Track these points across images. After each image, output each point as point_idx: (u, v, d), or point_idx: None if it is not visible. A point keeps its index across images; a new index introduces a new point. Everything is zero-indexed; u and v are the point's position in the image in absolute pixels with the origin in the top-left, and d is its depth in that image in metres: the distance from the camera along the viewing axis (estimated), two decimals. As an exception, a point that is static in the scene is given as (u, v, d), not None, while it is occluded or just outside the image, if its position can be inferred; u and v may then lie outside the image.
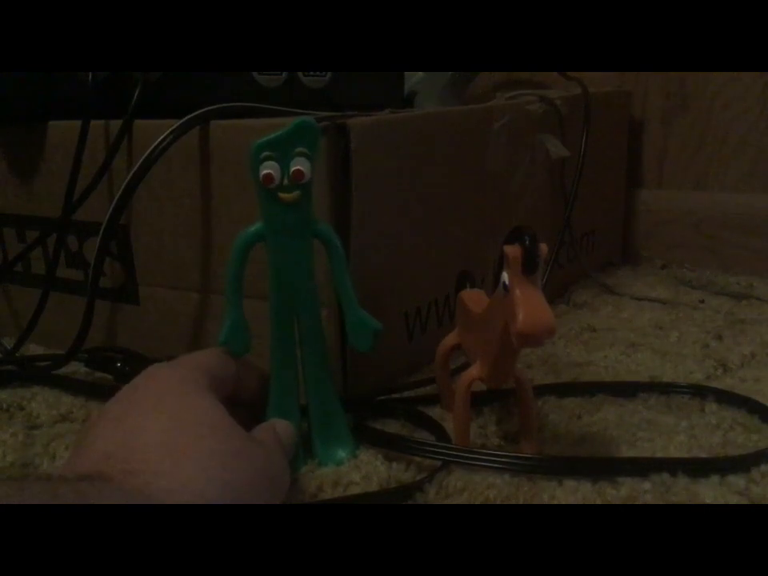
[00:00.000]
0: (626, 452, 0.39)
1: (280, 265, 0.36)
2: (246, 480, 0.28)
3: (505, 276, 0.33)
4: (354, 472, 0.37)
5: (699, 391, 0.45)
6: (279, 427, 0.35)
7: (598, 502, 0.34)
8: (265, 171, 0.34)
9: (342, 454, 0.39)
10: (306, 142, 0.34)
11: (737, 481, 0.35)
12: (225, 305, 0.36)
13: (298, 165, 0.34)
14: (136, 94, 0.45)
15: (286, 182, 0.34)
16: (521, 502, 0.34)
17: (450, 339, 0.43)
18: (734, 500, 0.34)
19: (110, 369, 0.47)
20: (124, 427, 0.28)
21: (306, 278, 0.37)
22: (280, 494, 0.31)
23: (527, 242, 0.32)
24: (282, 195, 0.34)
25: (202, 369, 0.33)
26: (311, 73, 0.54)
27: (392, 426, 0.42)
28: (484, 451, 0.37)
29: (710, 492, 0.34)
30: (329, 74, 0.55)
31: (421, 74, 0.69)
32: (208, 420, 0.29)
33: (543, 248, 0.32)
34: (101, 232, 0.44)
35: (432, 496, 0.35)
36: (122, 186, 0.43)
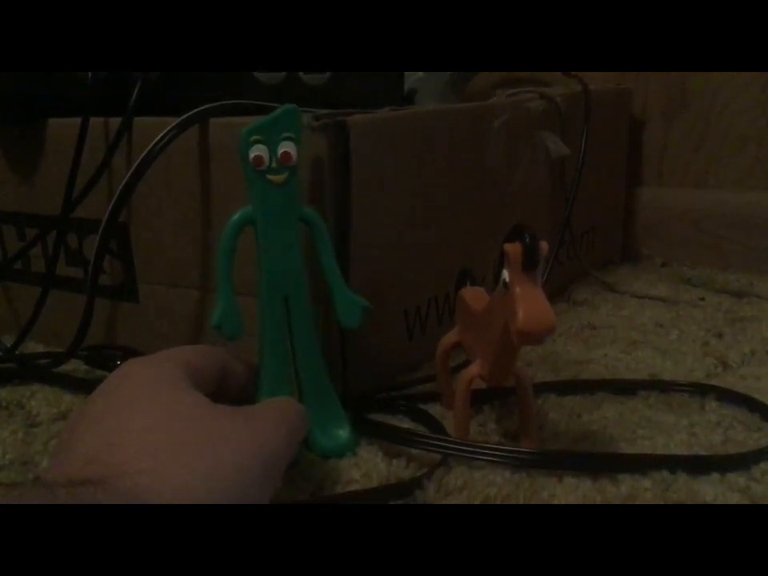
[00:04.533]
0: (626, 450, 0.39)
1: (269, 247, 0.37)
2: (233, 463, 0.28)
3: (505, 274, 0.33)
4: (354, 469, 0.37)
5: (699, 389, 0.45)
6: (285, 403, 0.34)
7: (599, 499, 0.34)
8: (255, 153, 0.36)
9: (343, 434, 0.39)
10: (292, 126, 0.36)
11: (737, 479, 0.35)
12: (217, 290, 0.37)
13: (286, 148, 0.36)
14: (135, 92, 0.45)
15: (274, 164, 0.36)
16: (521, 500, 0.34)
17: (450, 337, 0.43)
18: (734, 498, 0.34)
19: (110, 367, 0.47)
20: (102, 429, 0.28)
21: (294, 261, 0.38)
22: (277, 471, 0.30)
23: (527, 240, 0.32)
24: (271, 177, 0.36)
25: (178, 363, 0.32)
26: (311, 71, 0.54)
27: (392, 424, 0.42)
28: (483, 445, 0.37)
29: (710, 490, 0.34)
30: (328, 72, 0.55)
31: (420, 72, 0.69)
32: (186, 412, 0.29)
33: (543, 246, 0.32)
34: (100, 230, 0.44)
35: (432, 494, 0.35)
36: (122, 184, 0.42)
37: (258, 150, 0.36)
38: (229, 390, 0.36)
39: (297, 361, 0.39)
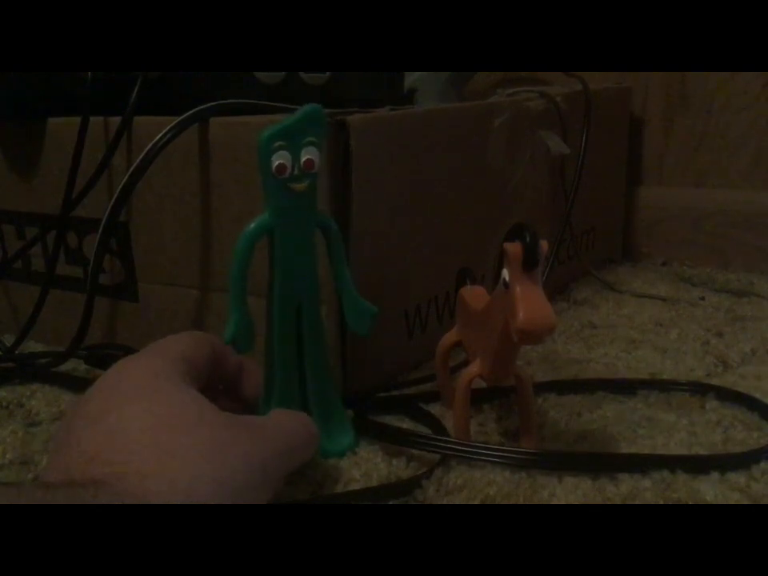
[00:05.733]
0: (626, 449, 0.39)
1: (287, 256, 0.35)
2: (235, 469, 0.28)
3: (505, 273, 0.33)
4: (354, 469, 0.37)
5: (699, 388, 0.45)
6: (288, 417, 0.34)
7: (599, 499, 0.34)
8: (278, 161, 0.33)
9: (345, 441, 0.39)
10: (315, 130, 0.34)
11: (737, 478, 0.35)
12: (230, 302, 0.36)
13: (309, 154, 0.34)
14: (135, 91, 0.45)
15: (296, 171, 0.34)
16: (521, 500, 0.34)
17: (450, 336, 0.43)
18: (734, 497, 0.34)
19: (110, 366, 0.47)
20: (102, 427, 0.28)
21: (310, 267, 0.37)
22: (274, 480, 0.30)
23: (527, 239, 0.32)
24: (293, 186, 0.34)
25: (175, 357, 0.32)
26: (311, 70, 0.54)
27: (392, 423, 0.42)
28: (483, 445, 0.37)
29: (710, 489, 0.34)
30: (328, 72, 0.55)
31: (421, 70, 0.69)
32: (189, 413, 0.29)
33: (543, 245, 0.32)
34: (100, 229, 0.44)
35: (431, 493, 0.35)
36: (122, 183, 0.43)
37: (281, 158, 0.33)
38: (217, 380, 0.36)
39: (305, 368, 0.38)
